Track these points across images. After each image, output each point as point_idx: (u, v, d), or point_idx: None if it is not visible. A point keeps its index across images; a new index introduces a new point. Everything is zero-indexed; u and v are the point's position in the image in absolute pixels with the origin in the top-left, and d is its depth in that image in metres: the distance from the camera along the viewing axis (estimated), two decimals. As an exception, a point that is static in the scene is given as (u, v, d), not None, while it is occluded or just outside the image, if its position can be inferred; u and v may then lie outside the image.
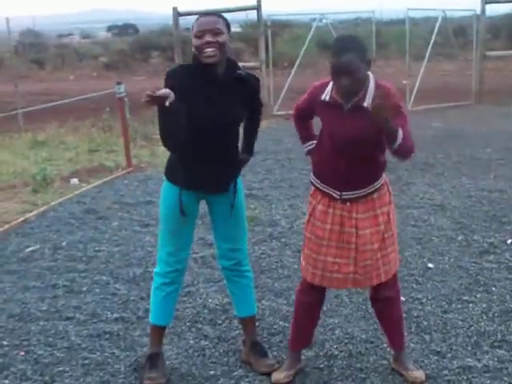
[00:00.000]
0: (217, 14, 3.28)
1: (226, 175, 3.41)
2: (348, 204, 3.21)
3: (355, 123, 3.09)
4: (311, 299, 3.45)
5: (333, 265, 3.27)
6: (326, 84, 3.20)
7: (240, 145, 3.53)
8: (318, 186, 3.29)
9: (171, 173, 3.41)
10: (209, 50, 3.14)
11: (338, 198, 3.22)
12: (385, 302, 3.41)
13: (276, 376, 3.48)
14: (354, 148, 3.13)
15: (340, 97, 3.13)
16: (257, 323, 3.85)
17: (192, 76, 3.23)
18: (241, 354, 3.74)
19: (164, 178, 3.46)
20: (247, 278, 3.65)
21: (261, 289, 4.57)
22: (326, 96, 3.17)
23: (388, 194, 3.32)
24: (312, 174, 3.36)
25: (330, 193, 3.24)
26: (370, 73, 3.12)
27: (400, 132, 3.02)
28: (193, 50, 3.23)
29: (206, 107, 3.22)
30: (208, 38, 3.13)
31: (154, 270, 3.57)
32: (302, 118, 3.45)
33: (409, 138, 3.09)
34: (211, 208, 3.55)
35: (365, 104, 3.07)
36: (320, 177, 3.27)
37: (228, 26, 3.25)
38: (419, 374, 3.44)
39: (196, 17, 3.29)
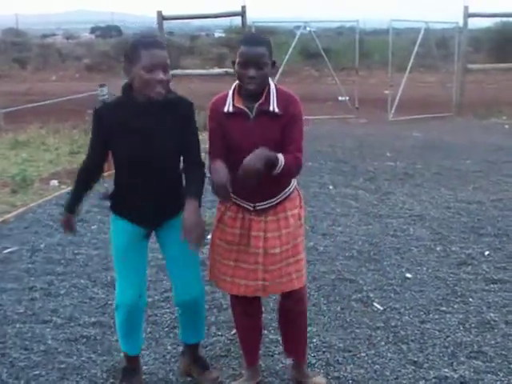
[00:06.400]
0: (162, 44, 3.03)
1: (163, 209, 3.23)
2: (262, 214, 3.16)
3: (262, 131, 3.02)
4: (246, 309, 3.36)
5: (242, 270, 3.18)
6: (225, 96, 3.10)
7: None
8: (233, 197, 3.16)
9: (115, 205, 3.28)
10: (159, 89, 2.96)
11: (252, 209, 3.17)
12: (293, 313, 3.32)
13: None
14: None
15: (243, 98, 3.05)
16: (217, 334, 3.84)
17: (118, 112, 3.08)
18: (180, 364, 3.66)
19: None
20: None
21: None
22: (228, 107, 3.06)
23: (298, 198, 3.27)
24: None
25: (244, 205, 3.17)
26: (270, 79, 3.07)
27: (281, 159, 2.96)
28: (134, 78, 2.99)
29: (131, 142, 3.03)
30: (161, 76, 2.94)
31: (115, 302, 3.35)
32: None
33: (291, 160, 3.01)
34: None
35: (270, 109, 3.02)
36: (233, 189, 3.00)
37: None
38: (322, 380, 3.45)
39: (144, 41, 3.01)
